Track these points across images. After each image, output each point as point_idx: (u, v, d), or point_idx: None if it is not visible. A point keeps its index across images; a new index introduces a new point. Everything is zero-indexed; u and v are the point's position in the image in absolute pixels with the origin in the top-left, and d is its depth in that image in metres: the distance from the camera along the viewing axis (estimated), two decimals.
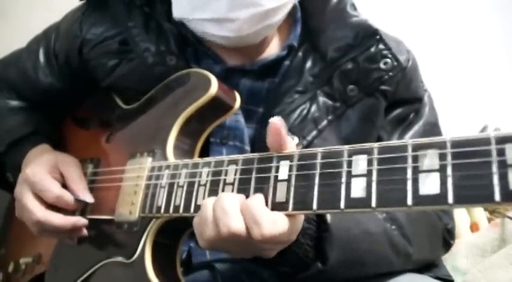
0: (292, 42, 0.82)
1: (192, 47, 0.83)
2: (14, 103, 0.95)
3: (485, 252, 1.28)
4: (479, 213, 1.56)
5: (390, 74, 0.77)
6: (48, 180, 0.75)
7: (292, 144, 0.56)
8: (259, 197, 0.54)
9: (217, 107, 0.73)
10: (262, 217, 0.52)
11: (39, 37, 0.96)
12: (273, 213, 0.53)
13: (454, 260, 1.27)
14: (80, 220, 0.75)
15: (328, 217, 0.63)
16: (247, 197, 0.55)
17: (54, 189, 0.75)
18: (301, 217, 0.57)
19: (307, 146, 0.75)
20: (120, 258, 0.69)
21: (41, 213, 0.74)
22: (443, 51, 1.81)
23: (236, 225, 0.52)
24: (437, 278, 0.78)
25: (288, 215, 0.53)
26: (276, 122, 0.54)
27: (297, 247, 0.61)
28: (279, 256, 0.60)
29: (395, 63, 0.78)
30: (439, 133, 0.86)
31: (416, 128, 0.83)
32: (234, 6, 0.72)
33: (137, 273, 0.66)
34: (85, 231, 0.76)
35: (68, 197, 0.75)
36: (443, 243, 0.82)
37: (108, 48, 0.84)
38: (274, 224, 0.52)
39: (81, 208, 0.78)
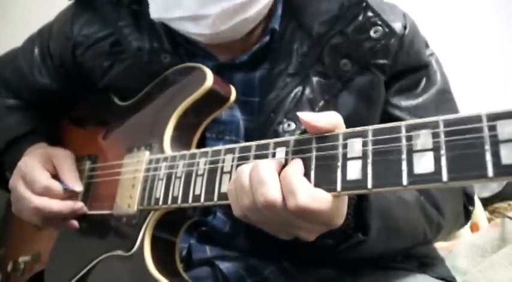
0: (274, 25, 0.78)
1: (183, 46, 0.82)
2: (11, 102, 0.96)
3: (485, 252, 1.28)
4: (479, 213, 1.56)
5: (383, 42, 0.72)
6: (37, 171, 0.76)
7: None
8: (298, 163, 0.52)
9: (213, 99, 0.73)
10: (298, 186, 0.49)
11: (34, 37, 0.96)
12: (315, 189, 0.50)
13: (454, 260, 1.26)
14: (77, 203, 0.75)
15: None
16: (285, 164, 0.53)
17: (42, 180, 0.75)
18: (345, 199, 0.54)
19: (305, 131, 0.74)
20: (119, 252, 0.69)
21: (37, 199, 0.74)
22: (442, 51, 1.81)
23: (273, 194, 0.50)
24: (440, 278, 0.78)
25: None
26: (302, 117, 0.52)
27: None
28: None
29: (387, 30, 0.72)
30: (452, 99, 0.82)
31: (427, 95, 0.78)
32: (204, 2, 0.70)
33: (137, 266, 0.66)
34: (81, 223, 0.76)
35: (56, 187, 0.75)
36: (464, 210, 0.79)
37: (100, 49, 0.84)
38: (314, 199, 0.49)
39: None
